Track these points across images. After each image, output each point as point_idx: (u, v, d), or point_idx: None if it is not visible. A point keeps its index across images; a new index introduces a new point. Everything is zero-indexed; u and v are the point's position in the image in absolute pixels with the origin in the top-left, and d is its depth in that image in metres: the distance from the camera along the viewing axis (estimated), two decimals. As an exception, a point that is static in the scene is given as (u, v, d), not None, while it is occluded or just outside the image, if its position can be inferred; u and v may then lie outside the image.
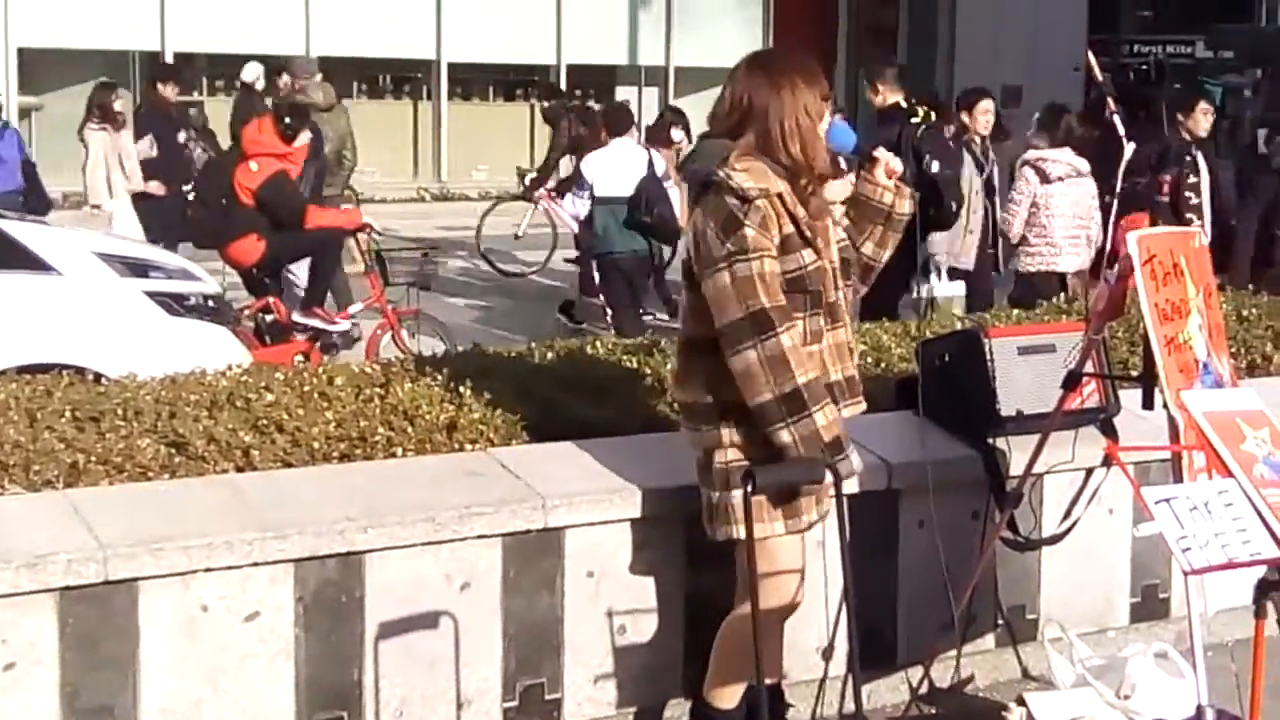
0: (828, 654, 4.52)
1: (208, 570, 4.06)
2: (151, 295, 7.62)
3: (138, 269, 7.76)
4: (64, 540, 3.98)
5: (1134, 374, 4.81)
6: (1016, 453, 5.00)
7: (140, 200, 12.66)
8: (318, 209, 10.64)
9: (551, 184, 15.34)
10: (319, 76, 14.17)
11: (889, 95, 8.99)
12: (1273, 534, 3.54)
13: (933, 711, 5.04)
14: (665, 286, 11.51)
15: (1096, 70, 7.40)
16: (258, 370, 5.42)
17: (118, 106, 13.35)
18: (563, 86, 21.66)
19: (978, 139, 10.26)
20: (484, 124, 22.17)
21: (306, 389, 5.06)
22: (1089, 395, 5.11)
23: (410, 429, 4.90)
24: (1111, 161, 10.72)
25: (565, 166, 15.83)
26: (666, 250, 11.02)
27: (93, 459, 4.52)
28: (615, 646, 4.63)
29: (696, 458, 4.30)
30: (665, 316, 11.49)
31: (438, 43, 22.22)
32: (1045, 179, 9.05)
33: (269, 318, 10.05)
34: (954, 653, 5.09)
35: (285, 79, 14.33)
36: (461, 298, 13.73)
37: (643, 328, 10.48)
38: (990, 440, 5.07)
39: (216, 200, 10.40)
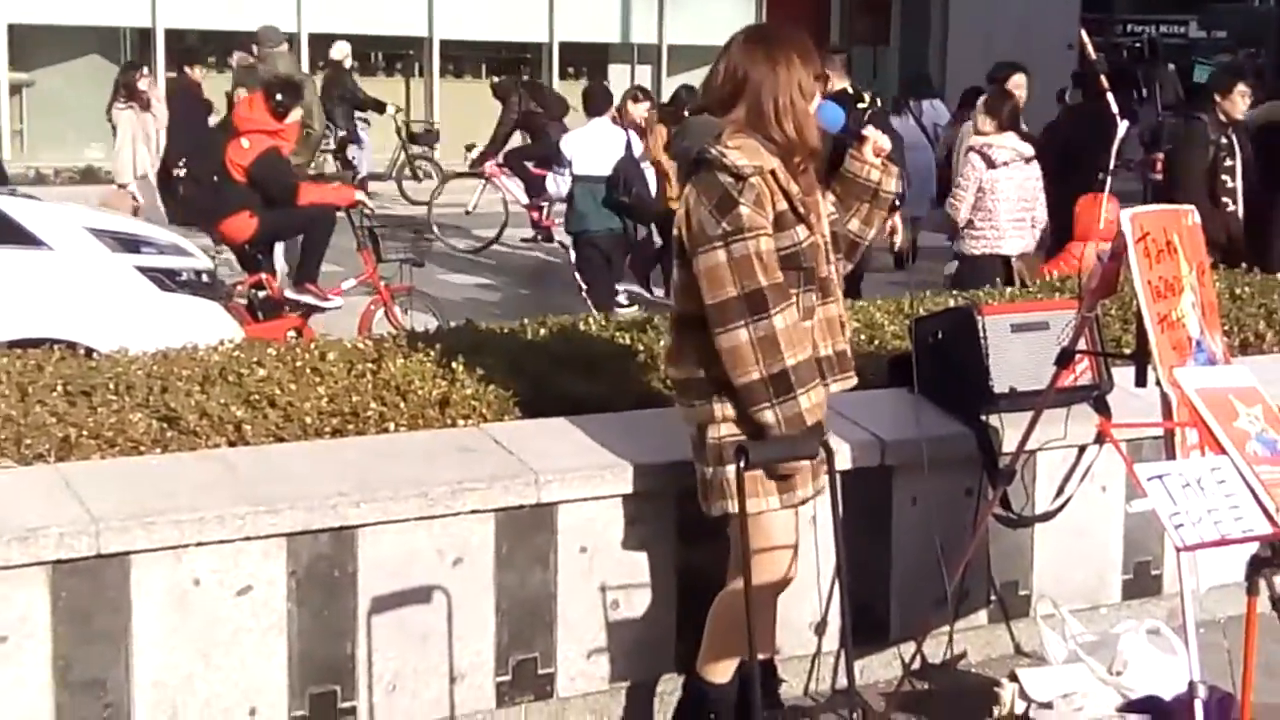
0: (820, 629, 4.55)
1: (200, 544, 4.06)
2: (143, 270, 7.62)
3: (129, 244, 7.76)
4: (56, 514, 3.97)
5: (1127, 351, 4.81)
6: (1009, 430, 5.00)
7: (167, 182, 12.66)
8: (310, 185, 10.62)
9: (499, 159, 15.56)
10: (284, 47, 14.22)
11: (836, 81, 9.06)
12: (1265, 510, 3.54)
13: (925, 687, 5.04)
14: (642, 264, 11.53)
15: (1090, 49, 7.39)
16: (250, 345, 5.41)
17: (143, 86, 13.34)
18: (554, 63, 21.67)
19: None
20: (476, 101, 22.02)
21: (299, 364, 5.05)
22: (1082, 372, 5.11)
23: (403, 404, 4.90)
24: (1105, 138, 10.73)
25: (515, 141, 16.20)
26: (641, 230, 11.06)
27: (85, 433, 4.52)
28: (608, 621, 4.63)
29: (690, 434, 4.30)
30: (661, 292, 11.53)
31: (430, 20, 22.15)
32: (990, 164, 9.06)
33: (261, 293, 10.05)
34: (947, 629, 5.10)
35: (239, 55, 14.43)
36: (455, 274, 13.72)
37: (615, 305, 10.57)
38: (983, 417, 5.07)
39: (208, 177, 10.39)
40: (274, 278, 10.26)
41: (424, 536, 4.35)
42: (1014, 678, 4.77)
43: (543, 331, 5.75)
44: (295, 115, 10.55)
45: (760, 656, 4.14)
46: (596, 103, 11.48)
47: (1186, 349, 4.35)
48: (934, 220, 11.60)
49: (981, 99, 9.87)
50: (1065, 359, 4.69)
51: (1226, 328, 5.95)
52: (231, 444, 4.64)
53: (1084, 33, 7.04)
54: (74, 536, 3.91)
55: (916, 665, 5.02)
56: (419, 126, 20.39)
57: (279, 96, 10.38)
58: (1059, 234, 9.67)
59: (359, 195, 10.75)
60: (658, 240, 11.82)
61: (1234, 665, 4.07)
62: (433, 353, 5.20)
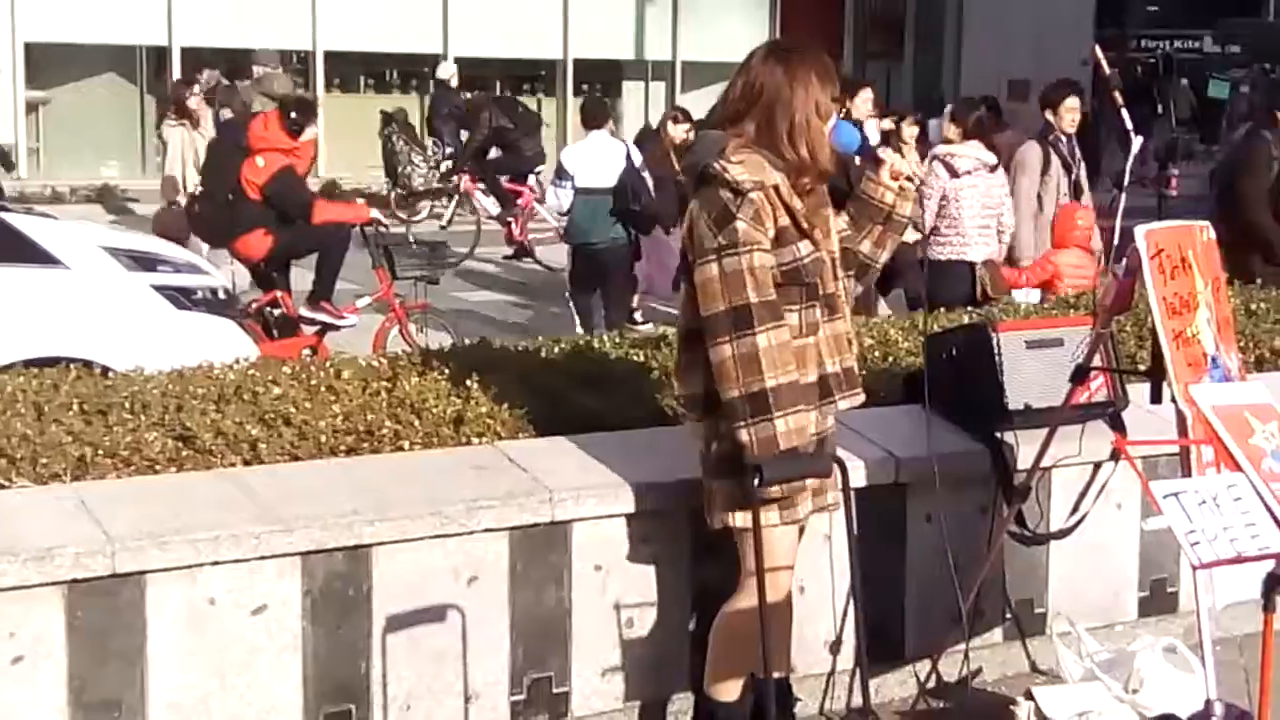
0: (835, 648, 4.53)
1: (215, 564, 4.06)
2: (159, 289, 7.64)
3: (145, 263, 7.78)
4: (71, 533, 3.98)
5: (1142, 368, 4.80)
6: (1024, 446, 4.99)
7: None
8: (325, 203, 10.64)
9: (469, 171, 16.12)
10: (279, 67, 14.42)
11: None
12: (1281, 528, 3.53)
13: (941, 705, 5.03)
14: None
15: (1104, 64, 7.40)
16: (265, 364, 5.42)
17: (193, 104, 13.38)
18: (569, 79, 21.75)
19: (1064, 137, 9.90)
20: (491, 118, 22.13)
21: (314, 382, 5.06)
22: (1097, 389, 5.10)
23: (417, 422, 4.90)
24: (1093, 152, 10.65)
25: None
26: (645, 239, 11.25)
27: (100, 452, 4.53)
28: (622, 639, 4.63)
29: (699, 449, 4.30)
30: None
31: (444, 37, 22.22)
32: (954, 173, 9.08)
33: (276, 311, 10.07)
34: (962, 647, 5.08)
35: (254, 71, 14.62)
36: (470, 291, 13.73)
37: (591, 309, 10.83)
38: (998, 434, 5.06)
39: (223, 195, 10.41)
40: (289, 295, 10.28)
41: (439, 555, 4.35)
42: (1030, 696, 4.75)
43: (557, 349, 5.76)
44: (310, 134, 10.58)
45: (775, 675, 4.14)
46: (594, 116, 11.60)
47: (1202, 365, 4.34)
48: None
49: (948, 107, 9.94)
50: (1080, 375, 4.69)
51: (1242, 344, 5.94)
52: (247, 463, 4.64)
53: (1098, 48, 7.05)
54: (89, 556, 3.91)
55: (932, 684, 5.01)
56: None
57: (293, 115, 10.41)
58: None
59: (373, 213, 10.77)
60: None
61: (1251, 683, 4.06)
62: (447, 371, 5.21)
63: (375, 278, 10.39)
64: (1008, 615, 5.27)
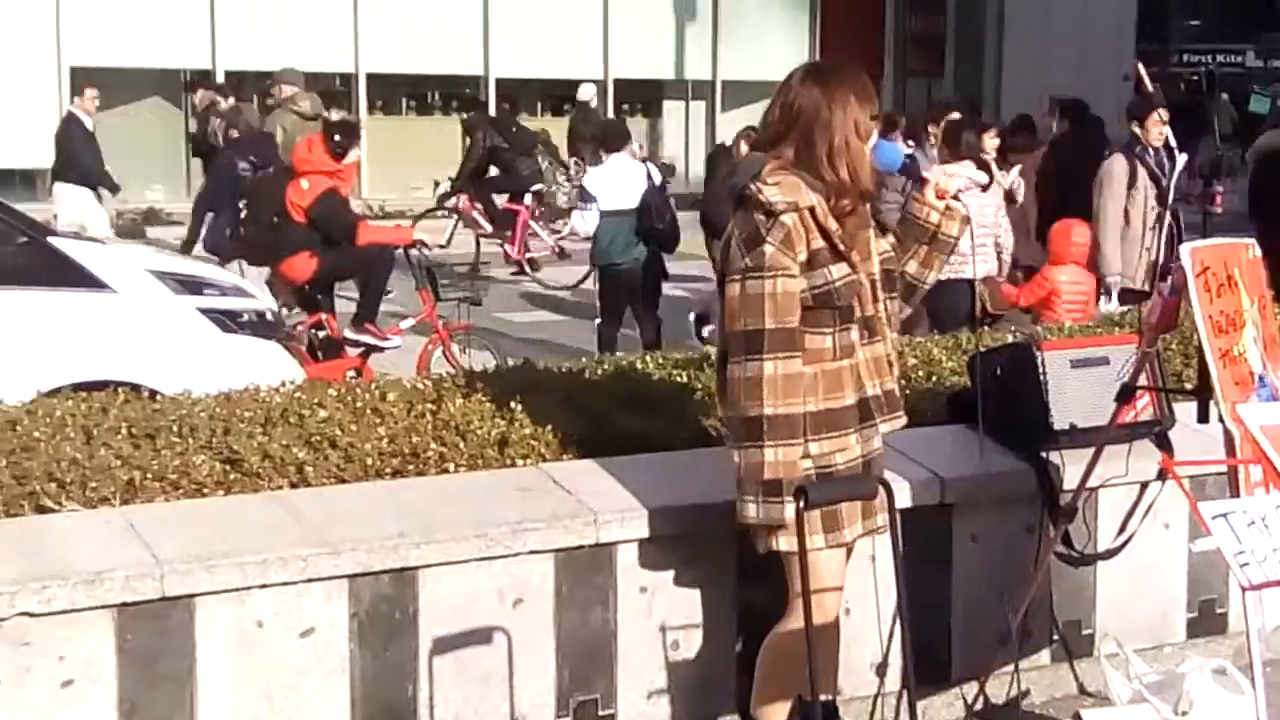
0: (882, 670, 4.52)
1: (263, 586, 4.08)
2: (205, 312, 7.68)
3: (192, 286, 7.82)
4: (121, 557, 4.01)
5: (1189, 387, 4.78)
6: (1070, 466, 4.97)
7: None
8: (369, 225, 10.70)
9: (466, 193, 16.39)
10: (302, 88, 14.57)
11: None
12: (1332, 548, 3.50)
13: (987, 727, 5.01)
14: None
15: (1146, 80, 7.37)
16: (311, 386, 5.45)
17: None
18: (609, 99, 21.82)
19: (1152, 150, 9.76)
20: (532, 139, 22.21)
21: (359, 405, 5.09)
22: (1143, 408, 5.08)
23: (462, 444, 4.92)
24: (1086, 166, 10.64)
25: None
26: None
27: (149, 476, 4.56)
28: (668, 661, 4.63)
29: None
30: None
31: (485, 59, 22.31)
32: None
33: (321, 334, 10.13)
34: (1009, 668, 5.05)
35: (278, 89, 14.73)
36: (512, 313, 13.77)
37: (615, 339, 10.89)
38: (1044, 454, 5.04)
39: (268, 218, 10.48)
40: (334, 318, 10.34)
41: (484, 577, 4.36)
42: (1078, 718, 4.73)
43: (601, 370, 5.77)
44: (354, 156, 10.64)
45: (822, 697, 4.13)
46: (615, 139, 11.71)
47: (1249, 384, 4.32)
48: None
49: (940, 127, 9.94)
50: (1126, 395, 4.67)
51: (1289, 362, 5.90)
52: (294, 485, 4.67)
53: (1140, 65, 7.02)
54: (139, 579, 3.94)
55: (979, 706, 4.99)
56: None
57: (337, 137, 10.48)
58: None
59: (417, 235, 10.82)
60: None
61: (1302, 705, 4.03)
62: (491, 392, 5.23)
63: (418, 299, 10.43)
64: (1055, 636, 5.24)
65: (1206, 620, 5.55)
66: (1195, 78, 33.30)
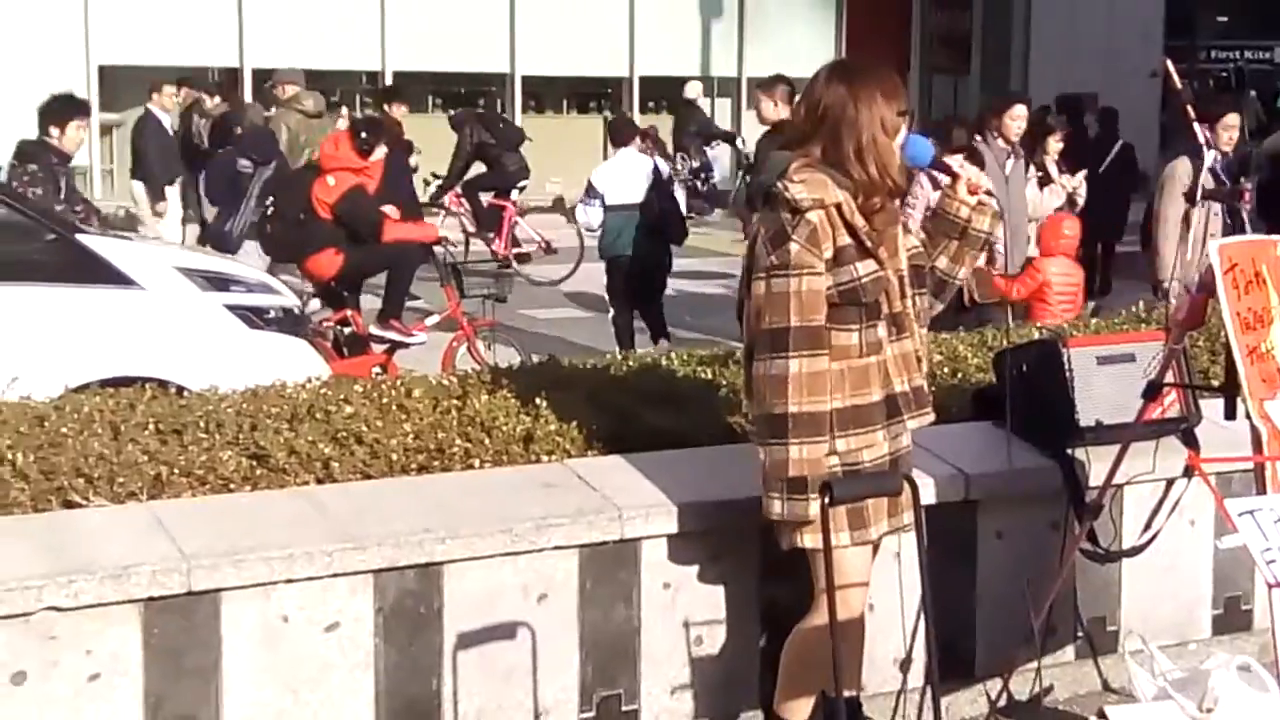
0: (905, 666, 4.51)
1: (289, 581, 4.10)
2: (232, 309, 7.71)
3: (218, 283, 7.85)
4: (148, 552, 4.04)
5: (1215, 384, 4.77)
6: (1096, 463, 4.95)
7: None
8: (394, 222, 10.74)
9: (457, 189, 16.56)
10: (304, 86, 14.64)
11: (781, 110, 9.61)
12: (1358, 545, 3.49)
13: (1012, 724, 5.00)
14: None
15: (1175, 77, 7.32)
16: (337, 383, 5.47)
17: (341, 125, 13.42)
18: (635, 97, 21.85)
19: (1220, 155, 9.47)
20: (558, 136, 22.21)
21: (385, 401, 5.10)
22: (1170, 405, 5.06)
23: (487, 440, 4.93)
24: (1082, 162, 10.57)
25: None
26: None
27: (176, 471, 4.58)
28: (692, 657, 4.64)
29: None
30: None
31: (512, 56, 22.32)
32: (936, 185, 9.03)
33: (347, 330, 10.16)
34: (1033, 665, 5.04)
35: (281, 88, 14.76)
36: (536, 309, 13.79)
37: (631, 327, 11.02)
38: (1069, 451, 5.03)
39: (294, 215, 10.52)
40: (359, 314, 10.37)
41: (509, 572, 4.38)
42: (1102, 715, 4.72)
43: (625, 367, 5.77)
44: (380, 153, 10.67)
45: (846, 693, 4.13)
46: (621, 134, 11.76)
47: (1276, 381, 4.31)
48: None
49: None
50: (1153, 391, 4.65)
51: (1317, 359, 5.87)
52: (320, 481, 4.69)
53: (1169, 61, 6.98)
54: (165, 574, 3.97)
55: (1003, 702, 4.99)
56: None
57: (363, 134, 10.52)
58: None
59: (442, 231, 10.84)
60: None
61: (1328, 703, 4.02)
62: (516, 389, 5.24)
63: (444, 295, 10.46)
64: (1080, 633, 5.24)
65: (1232, 617, 5.53)
66: (1224, 74, 33.16)
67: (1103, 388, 5.09)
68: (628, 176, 11.17)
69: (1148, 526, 5.02)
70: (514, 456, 4.91)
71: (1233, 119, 9.78)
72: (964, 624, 5.01)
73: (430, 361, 9.53)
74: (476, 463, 4.86)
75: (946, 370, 5.90)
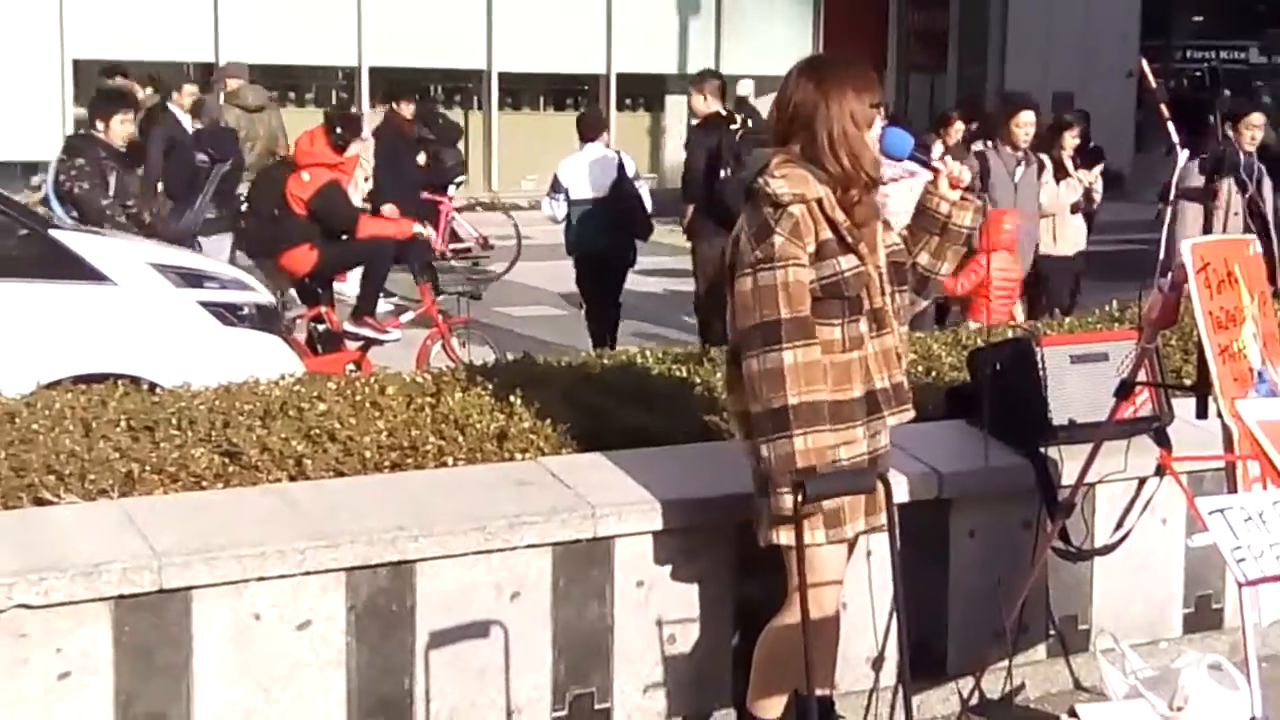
0: (878, 664, 4.51)
1: (260, 579, 4.09)
2: (206, 305, 7.69)
3: (192, 279, 7.83)
4: (119, 549, 4.02)
5: (1188, 383, 4.78)
6: (1068, 462, 4.97)
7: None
8: (369, 218, 10.71)
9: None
10: (247, 80, 14.59)
11: (712, 104, 10.17)
12: (1328, 545, 3.51)
13: (984, 722, 5.01)
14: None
15: (1150, 77, 7.35)
16: (310, 380, 5.46)
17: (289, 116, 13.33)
18: (612, 94, 21.83)
19: (1242, 155, 9.50)
20: (534, 133, 22.22)
21: (358, 398, 5.09)
22: (1142, 404, 5.08)
23: (461, 438, 4.92)
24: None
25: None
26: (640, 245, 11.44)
27: (147, 468, 4.56)
28: (665, 656, 4.63)
29: (750, 465, 4.29)
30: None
31: (488, 53, 22.30)
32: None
33: (321, 327, 10.13)
34: (1005, 663, 5.05)
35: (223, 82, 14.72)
36: (511, 306, 13.77)
37: (611, 321, 10.98)
38: (1042, 449, 5.04)
39: (269, 210, 10.49)
40: (333, 310, 10.35)
41: (482, 570, 4.37)
42: (1074, 713, 4.74)
43: (600, 365, 5.77)
44: (355, 149, 10.65)
45: (818, 692, 4.13)
46: (590, 129, 11.75)
47: (1248, 380, 4.32)
48: None
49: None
50: (1125, 390, 4.67)
51: (1289, 358, 5.90)
52: (292, 478, 4.67)
53: (1144, 61, 6.99)
54: (136, 571, 3.95)
55: (975, 701, 5.00)
56: None
57: (338, 130, 10.49)
58: None
59: (417, 229, 10.82)
60: None
61: (1298, 701, 4.04)
62: (490, 386, 5.23)
63: (418, 292, 10.44)
64: (1051, 632, 5.25)
65: (1203, 616, 5.55)
66: (1198, 74, 33.28)
67: (1076, 386, 5.10)
68: (593, 171, 11.18)
69: (1120, 525, 5.03)
70: (488, 454, 4.91)
71: (1257, 118, 9.65)
72: (936, 622, 5.02)
73: (405, 358, 9.52)
74: (450, 460, 4.85)
75: (921, 369, 5.91)
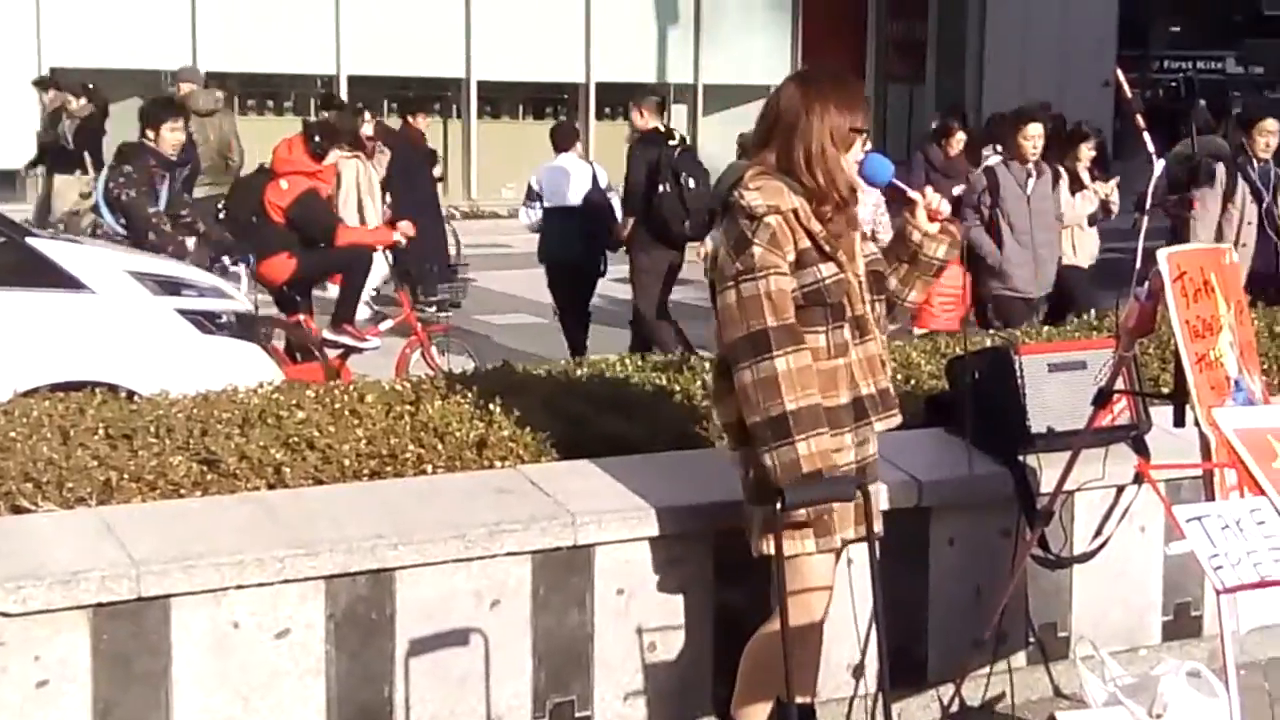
0: (858, 672, 4.53)
1: (239, 587, 4.08)
2: (184, 313, 7.66)
3: (170, 287, 7.80)
4: (97, 557, 4.00)
5: (1165, 391, 4.80)
6: (1047, 470, 4.98)
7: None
8: (347, 226, 10.69)
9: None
10: (202, 85, 14.60)
11: (650, 120, 10.63)
12: (1306, 552, 3.52)
13: (964, 730, 5.02)
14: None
15: (1125, 87, 7.38)
16: (289, 388, 5.45)
17: (367, 131, 13.19)
18: (591, 103, 21.79)
19: (1257, 162, 9.40)
20: (513, 142, 22.23)
21: (337, 406, 5.08)
22: (1120, 412, 5.09)
23: (440, 446, 4.92)
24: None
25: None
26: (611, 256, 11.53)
27: (125, 476, 4.55)
28: (645, 664, 4.63)
29: (739, 475, 4.28)
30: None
31: (467, 61, 22.31)
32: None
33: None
34: (985, 671, 5.07)
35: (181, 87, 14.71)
36: (491, 315, 13.76)
37: (583, 328, 11.15)
38: (1021, 457, 5.05)
39: (247, 218, 10.46)
40: (312, 318, 10.32)
41: (462, 578, 4.36)
42: (1053, 720, 4.74)
43: (579, 373, 5.77)
44: (333, 157, 10.63)
45: (800, 700, 4.13)
46: (563, 139, 11.83)
47: (1225, 389, 4.34)
48: None
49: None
50: (1103, 399, 4.68)
51: (1265, 366, 5.93)
52: (271, 487, 4.66)
53: (1119, 71, 7.02)
54: (115, 580, 3.94)
55: (955, 708, 5.01)
56: None
57: (317, 139, 10.47)
58: None
59: (396, 236, 10.81)
60: None
61: (1275, 707, 4.05)
62: (470, 394, 5.23)
63: (398, 300, 10.42)
64: (1031, 639, 5.26)
65: (1181, 623, 5.57)
66: (1173, 84, 33.42)
67: (1054, 395, 5.12)
68: (566, 180, 11.26)
69: (1098, 533, 5.04)
70: (467, 462, 4.90)
71: (1271, 124, 9.53)
72: (916, 630, 5.03)
73: (384, 366, 9.50)
74: (429, 468, 4.85)
75: (900, 377, 5.91)
